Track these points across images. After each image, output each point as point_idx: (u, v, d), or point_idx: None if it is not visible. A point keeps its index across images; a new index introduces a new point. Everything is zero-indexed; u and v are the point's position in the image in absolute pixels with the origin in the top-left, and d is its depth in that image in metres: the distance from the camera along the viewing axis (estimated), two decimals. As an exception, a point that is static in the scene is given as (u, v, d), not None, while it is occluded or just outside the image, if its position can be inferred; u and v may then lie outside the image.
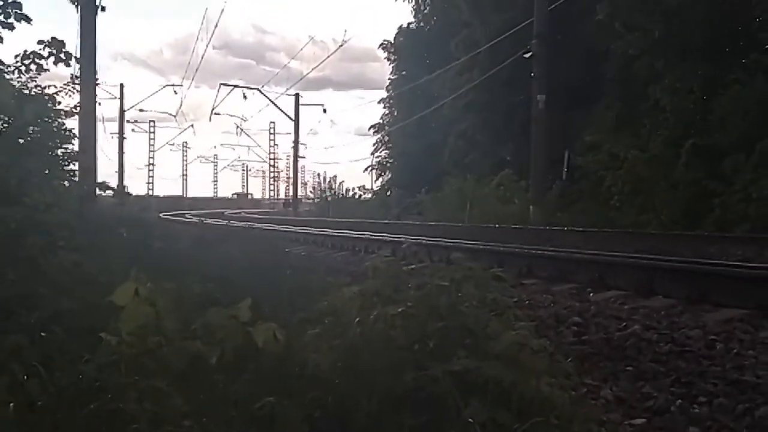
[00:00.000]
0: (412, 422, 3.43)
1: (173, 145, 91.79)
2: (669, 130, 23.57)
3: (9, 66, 11.48)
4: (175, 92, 57.66)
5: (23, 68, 11.63)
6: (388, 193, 49.66)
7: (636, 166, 23.34)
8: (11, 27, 11.11)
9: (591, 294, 8.41)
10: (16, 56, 11.64)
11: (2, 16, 11.02)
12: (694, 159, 22.00)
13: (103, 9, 18.54)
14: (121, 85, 58.83)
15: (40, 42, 11.57)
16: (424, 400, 3.51)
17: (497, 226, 22.29)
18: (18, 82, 12.23)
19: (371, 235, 18.04)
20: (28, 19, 11.16)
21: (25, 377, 3.43)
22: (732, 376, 4.86)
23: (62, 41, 11.55)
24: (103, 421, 3.11)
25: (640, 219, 22.50)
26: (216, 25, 53.92)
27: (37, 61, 11.62)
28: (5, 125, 11.88)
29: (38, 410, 3.27)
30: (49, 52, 11.50)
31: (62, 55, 11.58)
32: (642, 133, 24.58)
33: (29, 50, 11.61)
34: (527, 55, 27.44)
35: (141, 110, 63.16)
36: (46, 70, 12.47)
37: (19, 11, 11.39)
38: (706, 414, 4.33)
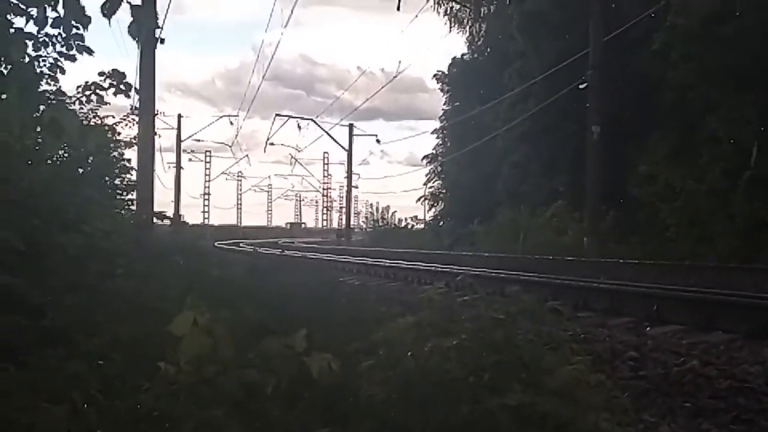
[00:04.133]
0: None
1: (228, 174, 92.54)
2: (726, 161, 23.21)
3: (71, 97, 11.70)
4: (231, 123, 58.31)
5: (84, 99, 11.83)
6: (441, 224, 49.56)
7: (693, 197, 23.05)
8: (73, 59, 11.31)
9: (648, 328, 8.29)
10: (78, 87, 11.85)
11: (65, 47, 11.23)
12: (752, 190, 21.65)
13: (162, 41, 18.92)
14: (179, 116, 59.51)
15: (101, 74, 11.75)
16: (479, 434, 3.48)
17: (551, 258, 22.06)
18: (80, 113, 12.48)
19: (424, 266, 18.03)
20: (90, 51, 11.33)
21: (85, 405, 3.47)
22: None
23: (123, 73, 11.72)
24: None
25: (697, 251, 22.14)
26: (272, 57, 55.11)
27: (98, 92, 11.80)
28: (66, 155, 12.11)
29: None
30: (109, 84, 11.67)
31: (122, 86, 11.73)
32: (699, 164, 24.24)
33: (90, 81, 11.80)
34: (582, 86, 27.31)
35: (197, 140, 63.88)
36: (106, 103, 12.72)
37: (81, 43, 11.61)
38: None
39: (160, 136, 19.17)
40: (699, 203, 22.89)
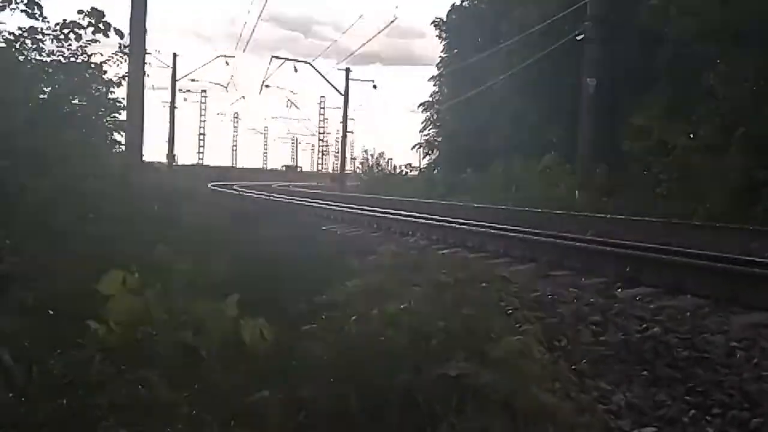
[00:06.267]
0: (401, 427, 3.33)
1: (224, 115, 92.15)
2: (720, 118, 23.01)
3: (46, 35, 11.50)
4: (227, 63, 57.50)
5: (62, 37, 11.62)
6: (435, 172, 49.36)
7: (685, 153, 22.90)
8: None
9: (618, 290, 8.21)
10: (56, 24, 11.62)
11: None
12: (744, 148, 21.48)
13: (152, -21, 18.67)
14: (174, 55, 58.77)
15: (79, 11, 11.55)
16: (417, 404, 3.40)
17: (540, 210, 21.98)
18: (58, 52, 12.23)
19: (409, 216, 17.93)
20: None
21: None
22: (750, 387, 4.69)
23: (101, 11, 11.52)
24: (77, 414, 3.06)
25: (687, 207, 22.04)
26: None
27: (75, 30, 11.59)
28: (43, 96, 11.90)
29: (22, 398, 3.23)
30: (88, 22, 11.47)
31: (101, 25, 11.52)
32: (693, 120, 24.05)
33: (68, 19, 11.60)
34: (579, 38, 27.04)
35: (192, 80, 63.10)
36: (92, 41, 12.46)
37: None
38: (718, 427, 4.18)
39: (148, 76, 18.88)
40: (691, 159, 22.74)
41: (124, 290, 3.36)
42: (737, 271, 7.95)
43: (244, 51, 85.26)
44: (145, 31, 18.59)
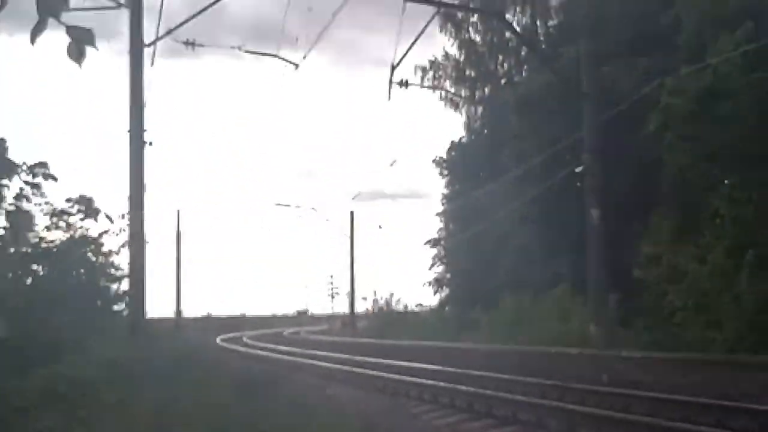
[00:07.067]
0: None
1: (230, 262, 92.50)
2: (729, 240, 22.52)
3: (36, 224, 11.45)
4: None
5: (53, 226, 11.61)
6: (446, 309, 48.80)
7: (697, 279, 22.34)
8: (38, 187, 11.07)
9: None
10: (45, 214, 11.58)
11: (30, 175, 11.08)
12: (756, 270, 20.92)
13: (150, 144, 18.82)
14: (178, 211, 59.97)
15: (68, 200, 11.56)
16: None
17: (552, 351, 21.30)
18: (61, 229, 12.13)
19: (417, 372, 17.20)
20: (54, 178, 11.13)
21: None
22: None
23: (90, 198, 11.50)
24: None
25: (706, 335, 21.33)
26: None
27: (64, 219, 11.62)
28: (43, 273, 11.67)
29: None
30: (78, 209, 11.46)
31: (90, 212, 11.57)
32: (701, 244, 23.55)
33: (58, 208, 11.62)
34: (578, 170, 26.87)
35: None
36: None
37: (46, 171, 11.34)
38: None
39: (148, 242, 18.81)
40: (704, 285, 22.15)
41: None
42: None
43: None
44: (143, 190, 18.56)
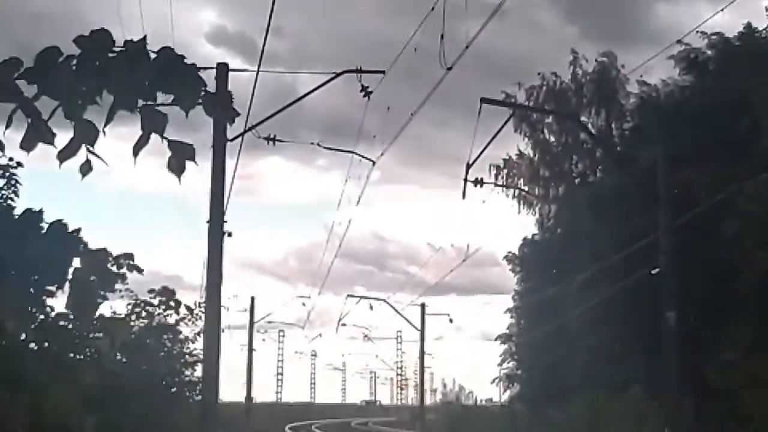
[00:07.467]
0: None
1: (302, 353, 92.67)
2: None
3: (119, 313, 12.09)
4: (304, 304, 58.50)
5: (134, 316, 12.23)
6: (516, 406, 48.33)
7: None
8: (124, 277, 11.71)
9: None
10: (128, 305, 12.22)
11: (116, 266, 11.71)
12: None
13: (230, 235, 19.45)
14: (252, 299, 60.22)
15: (150, 291, 12.17)
16: None
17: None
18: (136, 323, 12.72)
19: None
20: (140, 270, 11.73)
21: None
22: None
23: (172, 290, 12.13)
24: None
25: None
26: (344, 235, 56.19)
27: (147, 309, 12.23)
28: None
29: None
30: (159, 301, 12.05)
31: (172, 303, 12.15)
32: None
33: (140, 300, 12.22)
34: (654, 272, 26.83)
35: (269, 322, 63.88)
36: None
37: (131, 261, 12.04)
38: None
39: (224, 331, 19.39)
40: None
41: None
42: None
43: (320, 289, 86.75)
44: (221, 281, 19.18)
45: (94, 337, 12.17)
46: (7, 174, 12.33)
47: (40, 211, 9.47)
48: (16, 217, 10.47)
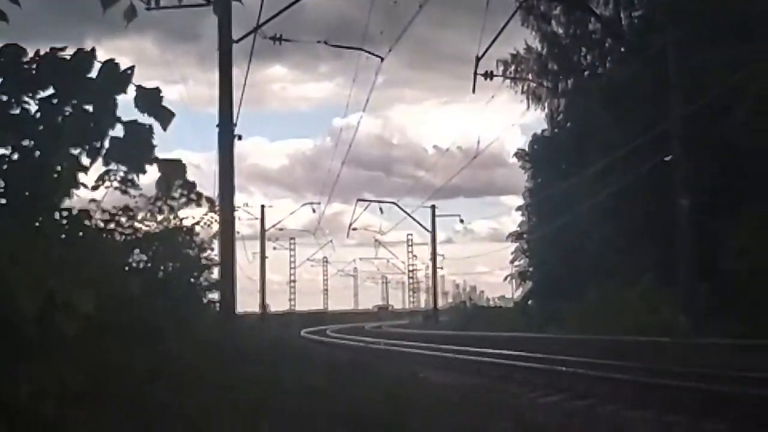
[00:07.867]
0: None
1: (313, 261, 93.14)
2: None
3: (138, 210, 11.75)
4: (314, 211, 58.55)
5: (156, 210, 11.94)
6: (529, 302, 48.65)
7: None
8: (143, 170, 11.47)
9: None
10: (149, 198, 11.89)
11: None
12: None
13: (239, 138, 19.29)
14: (262, 207, 60.37)
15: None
16: None
17: (639, 339, 21.21)
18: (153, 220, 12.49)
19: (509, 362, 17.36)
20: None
21: None
22: None
23: (193, 183, 11.81)
24: None
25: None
26: (351, 142, 55.43)
27: (168, 203, 11.97)
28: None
29: None
30: (180, 194, 11.78)
31: (193, 196, 11.91)
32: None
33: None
34: (667, 158, 26.63)
35: (280, 229, 64.09)
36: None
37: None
38: None
39: (239, 234, 19.36)
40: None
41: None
42: None
43: (329, 197, 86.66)
44: (233, 186, 19.14)
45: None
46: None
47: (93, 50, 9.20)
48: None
